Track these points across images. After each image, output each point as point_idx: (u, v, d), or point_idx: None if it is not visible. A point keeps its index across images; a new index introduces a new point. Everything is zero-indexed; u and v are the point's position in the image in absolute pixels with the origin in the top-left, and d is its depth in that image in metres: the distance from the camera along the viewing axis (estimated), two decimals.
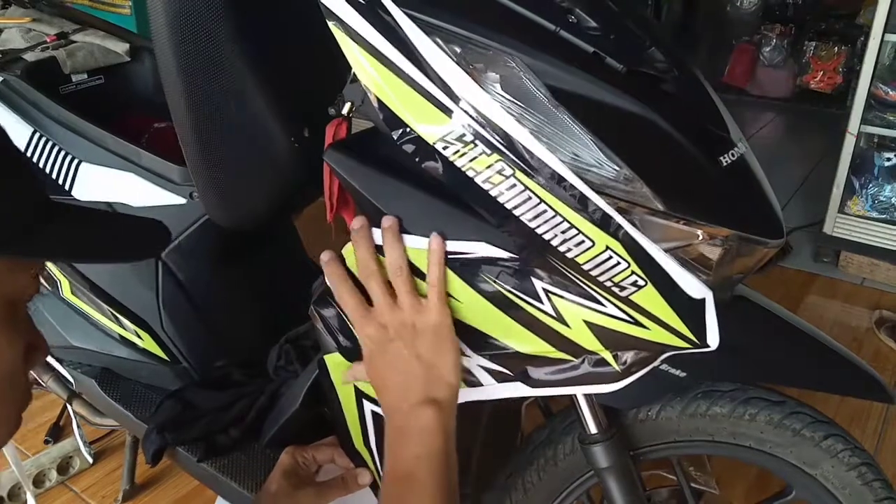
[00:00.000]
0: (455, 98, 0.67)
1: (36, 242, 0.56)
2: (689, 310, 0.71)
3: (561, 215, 0.67)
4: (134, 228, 0.71)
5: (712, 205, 0.69)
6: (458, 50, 0.66)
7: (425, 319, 0.75)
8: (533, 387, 0.79)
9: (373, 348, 0.78)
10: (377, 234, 0.76)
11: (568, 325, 0.73)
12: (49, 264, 1.26)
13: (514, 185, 0.67)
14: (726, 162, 0.70)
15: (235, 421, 1.16)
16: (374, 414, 0.88)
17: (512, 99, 0.66)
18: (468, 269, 0.74)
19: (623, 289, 0.69)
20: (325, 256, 0.79)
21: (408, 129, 0.69)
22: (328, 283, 0.80)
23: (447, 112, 0.67)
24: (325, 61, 0.78)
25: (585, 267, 0.68)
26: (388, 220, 0.74)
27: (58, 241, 0.59)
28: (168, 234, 0.73)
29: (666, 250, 0.68)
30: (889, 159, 2.51)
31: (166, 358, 1.25)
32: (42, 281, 1.30)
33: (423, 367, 0.76)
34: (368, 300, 0.77)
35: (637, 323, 0.71)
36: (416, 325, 0.75)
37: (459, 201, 0.72)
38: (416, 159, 0.70)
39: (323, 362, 0.88)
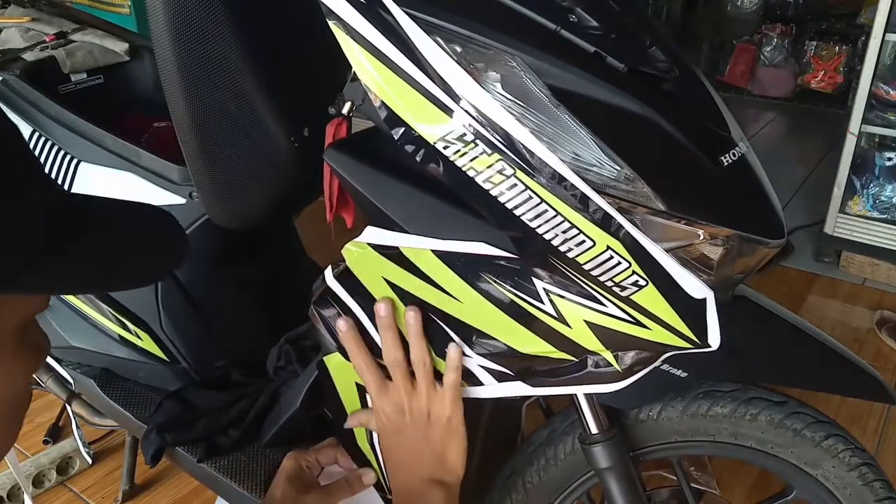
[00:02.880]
0: (456, 97, 0.66)
1: (42, 277, 0.47)
2: (691, 310, 0.71)
3: (562, 215, 0.66)
4: (154, 242, 0.61)
5: (713, 205, 0.69)
6: (458, 49, 0.66)
7: (440, 410, 0.80)
8: (533, 386, 0.79)
9: (388, 425, 0.83)
10: (385, 235, 0.76)
11: (569, 325, 0.73)
12: None
13: (515, 185, 0.67)
14: (727, 162, 0.70)
15: (235, 421, 1.16)
16: None
17: (513, 98, 0.66)
18: (468, 269, 0.74)
19: (624, 289, 0.69)
20: (342, 325, 0.81)
21: (408, 129, 0.69)
22: (347, 352, 0.82)
23: (448, 111, 0.67)
24: (325, 61, 0.78)
25: (586, 267, 0.68)
26: (411, 316, 0.77)
27: (70, 274, 0.50)
28: (186, 244, 0.62)
29: (667, 250, 0.68)
30: (890, 159, 2.51)
31: (166, 358, 1.25)
32: None
33: (434, 454, 0.81)
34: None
35: (638, 323, 0.71)
36: (430, 415, 0.81)
37: (459, 201, 0.72)
38: (417, 159, 0.70)
39: (323, 364, 0.88)
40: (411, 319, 0.77)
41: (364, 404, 0.89)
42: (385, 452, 0.86)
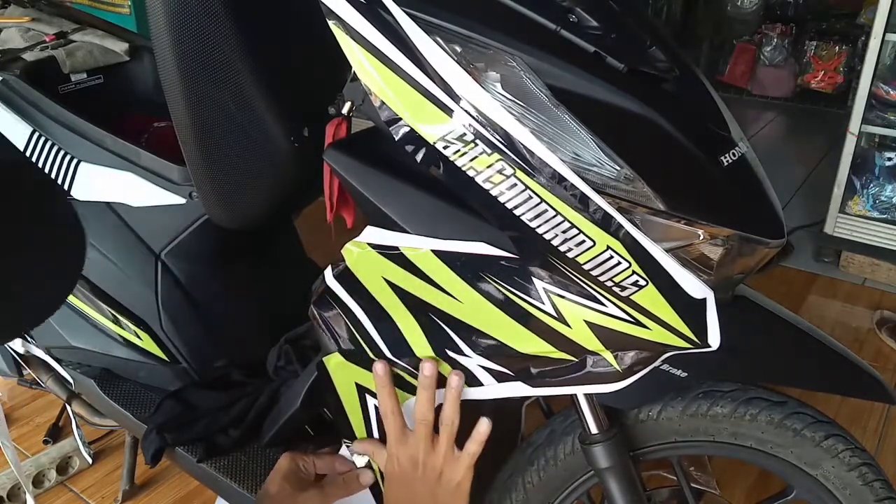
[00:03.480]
0: (455, 97, 0.67)
1: None
2: (690, 310, 0.71)
3: (562, 215, 0.66)
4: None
5: (713, 205, 0.69)
6: (458, 49, 0.66)
7: (452, 474, 0.82)
8: (534, 386, 0.79)
9: (398, 474, 0.85)
10: (385, 235, 0.76)
11: (569, 325, 0.73)
12: None
13: (515, 185, 0.67)
14: (727, 162, 0.70)
15: (235, 421, 1.16)
16: (377, 409, 0.88)
17: (512, 98, 0.66)
18: (468, 269, 0.74)
19: (624, 289, 0.69)
20: (379, 369, 0.82)
21: (408, 129, 0.69)
22: (377, 395, 0.84)
23: (448, 111, 0.67)
24: (325, 61, 0.78)
25: (586, 267, 0.68)
26: (454, 380, 0.79)
27: None
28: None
29: (667, 250, 0.68)
30: (890, 159, 2.50)
31: (166, 358, 1.25)
32: None
33: None
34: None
35: (638, 323, 0.71)
36: (443, 474, 0.82)
37: (459, 201, 0.72)
38: (417, 159, 0.70)
39: (322, 365, 0.88)
40: (454, 382, 0.79)
41: (364, 405, 0.89)
42: (387, 495, 0.88)
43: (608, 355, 0.75)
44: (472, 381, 0.81)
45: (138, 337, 1.25)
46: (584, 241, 0.67)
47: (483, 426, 0.81)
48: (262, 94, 0.93)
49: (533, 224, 0.67)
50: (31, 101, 1.24)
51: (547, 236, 0.68)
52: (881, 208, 2.52)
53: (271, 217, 1.07)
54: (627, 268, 0.68)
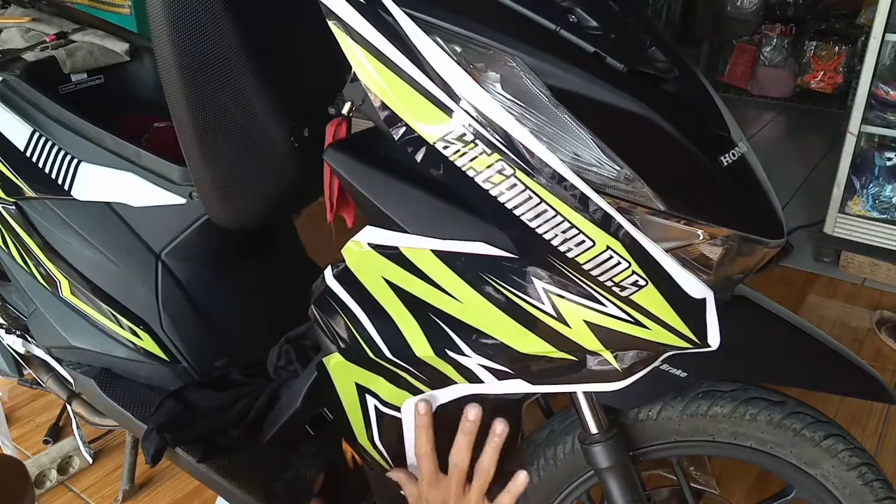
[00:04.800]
0: (455, 97, 0.67)
1: None
2: (690, 310, 0.71)
3: (561, 215, 0.66)
4: None
5: (713, 205, 0.69)
6: (458, 49, 0.66)
7: None
8: (534, 384, 0.79)
9: None
10: (385, 235, 0.76)
11: (568, 325, 0.73)
12: (48, 263, 1.26)
13: (515, 185, 0.67)
14: (727, 162, 0.70)
15: (235, 421, 1.16)
16: (377, 410, 0.88)
17: (512, 98, 0.66)
18: (468, 269, 0.74)
19: (624, 289, 0.69)
20: (421, 408, 0.82)
21: (408, 129, 0.69)
22: (414, 433, 0.84)
23: (447, 111, 0.67)
24: (326, 61, 0.78)
25: (586, 267, 0.68)
26: (499, 427, 0.80)
27: None
28: None
29: (667, 250, 0.68)
30: (890, 159, 2.51)
31: (166, 358, 1.25)
32: (42, 281, 1.29)
33: None
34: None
35: (638, 323, 0.71)
36: None
37: (459, 201, 0.72)
38: (417, 159, 0.70)
39: (322, 365, 0.88)
40: (498, 429, 0.80)
41: (364, 405, 0.89)
42: None
43: (608, 355, 0.75)
44: (471, 378, 0.80)
45: (138, 337, 1.25)
46: (583, 241, 0.67)
47: (520, 479, 0.81)
48: (262, 94, 0.93)
49: (533, 224, 0.67)
50: (31, 102, 1.24)
51: (547, 236, 0.68)
52: (881, 208, 2.52)
53: (271, 217, 1.07)
54: (627, 268, 0.68)
